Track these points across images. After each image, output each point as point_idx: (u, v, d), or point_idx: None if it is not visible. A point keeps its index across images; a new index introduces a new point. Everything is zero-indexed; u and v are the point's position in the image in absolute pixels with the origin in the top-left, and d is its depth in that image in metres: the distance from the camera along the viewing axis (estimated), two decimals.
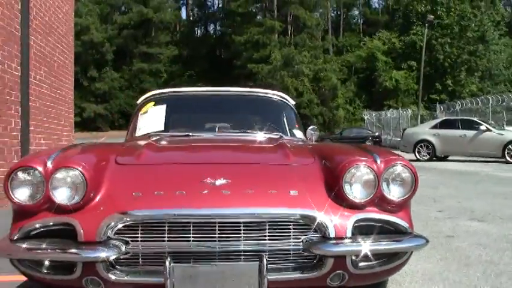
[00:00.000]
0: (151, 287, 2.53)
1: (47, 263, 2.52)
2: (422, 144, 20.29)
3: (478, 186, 10.56)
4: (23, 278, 3.83)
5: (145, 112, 4.60)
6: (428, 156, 20.01)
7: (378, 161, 2.69)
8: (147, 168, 2.91)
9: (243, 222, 2.49)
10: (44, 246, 2.48)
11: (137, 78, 65.55)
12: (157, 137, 3.99)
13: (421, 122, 35.59)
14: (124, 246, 2.46)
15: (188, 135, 4.11)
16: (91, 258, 2.40)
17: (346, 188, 2.63)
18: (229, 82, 56.14)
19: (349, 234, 2.55)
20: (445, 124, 20.73)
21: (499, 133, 18.87)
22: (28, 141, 8.86)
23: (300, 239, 2.53)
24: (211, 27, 79.29)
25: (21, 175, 2.56)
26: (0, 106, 7.81)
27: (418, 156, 20.15)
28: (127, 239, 2.47)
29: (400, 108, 42.27)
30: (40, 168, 2.55)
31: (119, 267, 2.50)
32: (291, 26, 62.60)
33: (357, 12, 78.07)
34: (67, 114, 12.19)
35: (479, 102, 29.55)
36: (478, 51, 53.65)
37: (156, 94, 4.82)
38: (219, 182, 2.62)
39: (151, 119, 4.51)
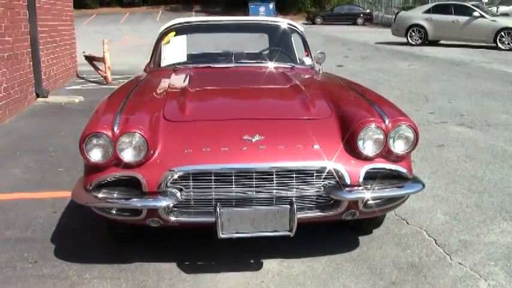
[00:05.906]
0: (202, 225, 3.15)
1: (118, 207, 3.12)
2: (414, 29, 20.52)
3: (468, 82, 11.06)
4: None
5: (168, 42, 5.04)
6: (420, 41, 20.29)
7: (386, 121, 3.21)
8: (193, 125, 3.37)
9: (275, 173, 3.06)
10: (115, 196, 3.06)
11: None
12: (183, 69, 4.60)
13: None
14: (179, 193, 3.02)
15: (210, 67, 4.70)
16: (156, 206, 2.98)
17: (360, 144, 3.17)
18: None
19: (361, 181, 3.13)
20: (437, 9, 20.81)
21: (492, 19, 19.00)
22: (37, 42, 9.17)
23: (321, 185, 3.11)
24: None
25: (94, 140, 3.05)
26: (11, 13, 8.05)
27: (410, 41, 20.46)
28: (181, 187, 3.03)
29: None
30: (109, 133, 3.03)
31: (175, 209, 3.07)
32: None
33: None
34: (68, 8, 12.29)
35: None
36: None
37: (175, 24, 5.24)
38: (256, 138, 3.14)
39: (174, 49, 4.97)
